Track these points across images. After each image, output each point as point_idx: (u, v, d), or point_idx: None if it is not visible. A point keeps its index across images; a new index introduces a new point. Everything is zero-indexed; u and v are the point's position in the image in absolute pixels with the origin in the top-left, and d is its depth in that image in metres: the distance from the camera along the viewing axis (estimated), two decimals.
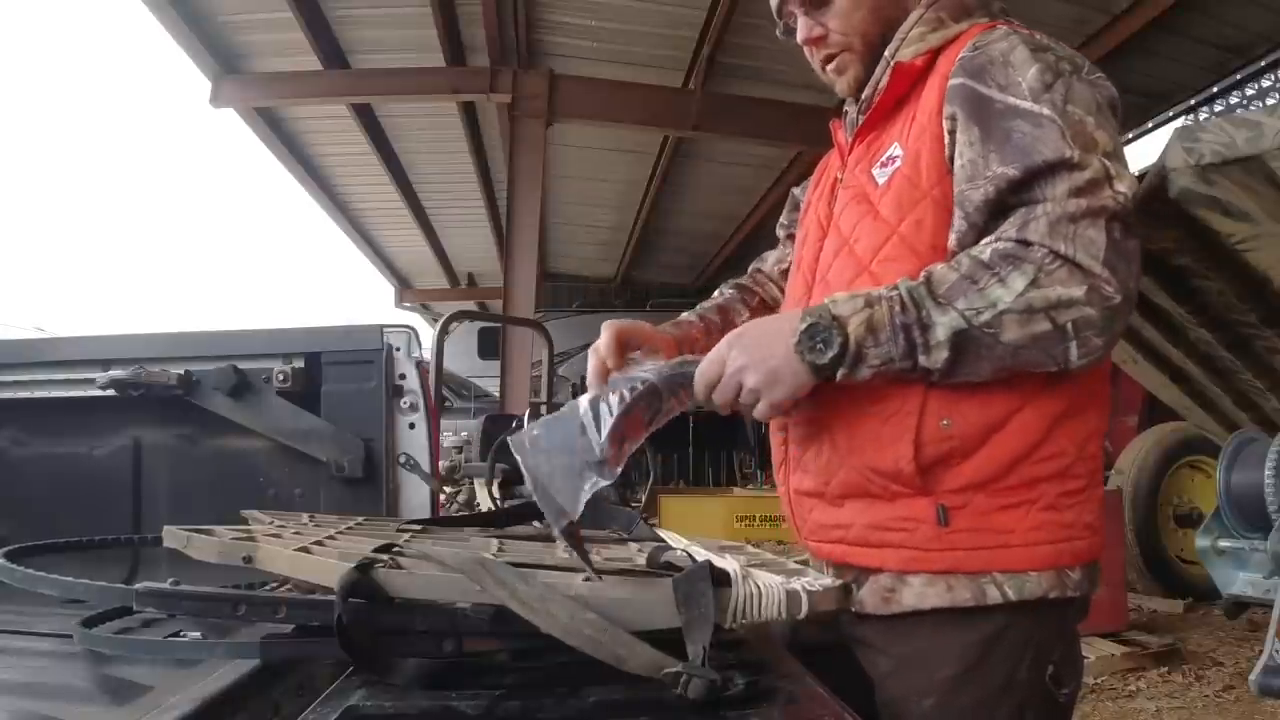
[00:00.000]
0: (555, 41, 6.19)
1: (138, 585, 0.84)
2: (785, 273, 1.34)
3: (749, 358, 0.94)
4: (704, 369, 0.96)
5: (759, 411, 0.95)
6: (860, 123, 1.11)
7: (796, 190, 1.42)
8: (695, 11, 5.66)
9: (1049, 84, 0.93)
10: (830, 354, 0.91)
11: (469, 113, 7.14)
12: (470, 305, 12.26)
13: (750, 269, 1.45)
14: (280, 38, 5.89)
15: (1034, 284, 0.88)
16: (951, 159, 0.97)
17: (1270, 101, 5.97)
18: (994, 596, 0.96)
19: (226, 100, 6.40)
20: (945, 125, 0.97)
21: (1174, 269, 1.58)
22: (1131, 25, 5.32)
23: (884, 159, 1.05)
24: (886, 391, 0.97)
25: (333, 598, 0.74)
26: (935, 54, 1.04)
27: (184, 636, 0.97)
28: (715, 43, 5.86)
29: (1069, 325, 0.89)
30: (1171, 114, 6.36)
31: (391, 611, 0.76)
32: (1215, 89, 6.12)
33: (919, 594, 0.98)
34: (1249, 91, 6.16)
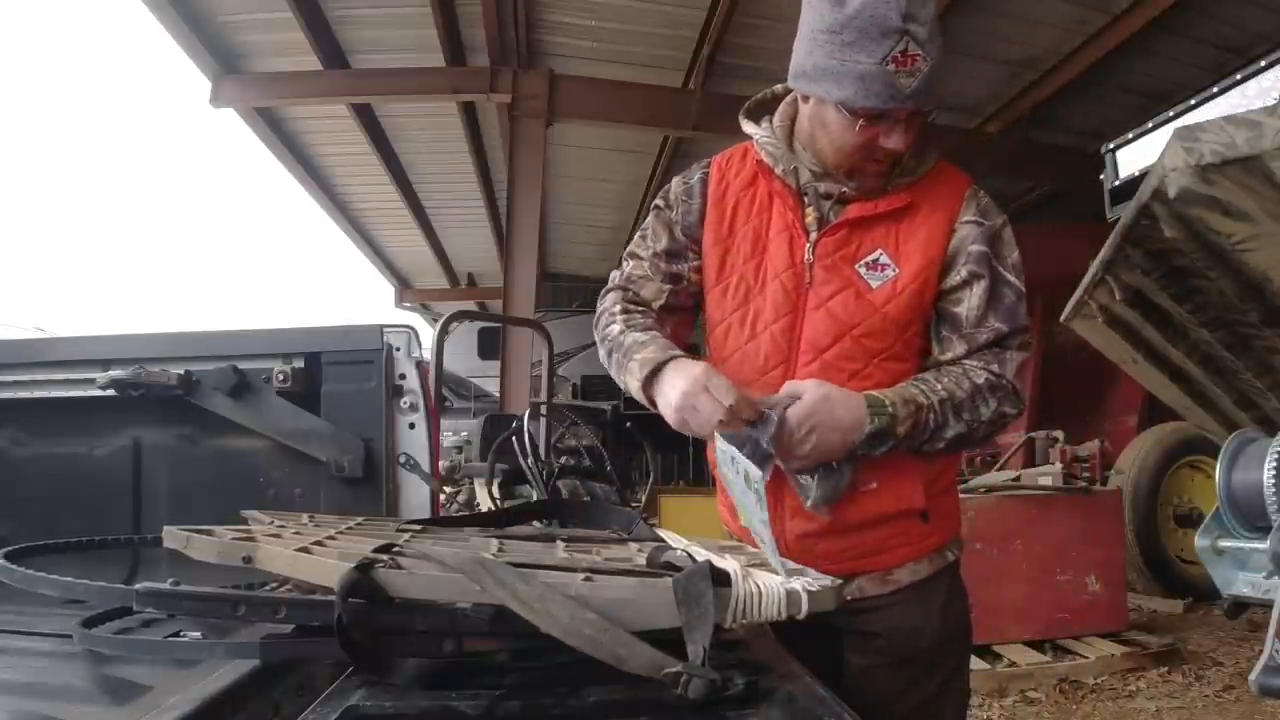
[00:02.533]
0: (555, 41, 6.18)
1: (138, 585, 0.84)
2: (667, 311, 1.38)
3: (821, 438, 1.16)
4: (803, 442, 1.16)
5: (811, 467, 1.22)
6: (838, 216, 1.28)
7: (672, 228, 1.38)
8: (695, 11, 5.65)
9: (1019, 265, 1.30)
10: (880, 450, 1.21)
11: (469, 113, 7.13)
12: (470, 305, 12.25)
13: (627, 297, 1.38)
14: (280, 38, 5.88)
15: (999, 405, 1.27)
16: (944, 291, 1.29)
17: (1270, 101, 5.97)
18: (949, 558, 1.38)
19: (226, 100, 6.39)
20: (963, 273, 1.27)
21: (1174, 269, 1.58)
22: (1131, 25, 5.31)
23: (870, 261, 1.27)
24: (897, 455, 1.25)
25: (333, 598, 0.74)
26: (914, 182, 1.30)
27: (184, 636, 0.98)
28: (715, 43, 5.85)
29: (998, 426, 1.30)
30: (1172, 114, 6.36)
31: (391, 611, 0.76)
32: (1215, 89, 6.13)
33: (912, 571, 1.34)
34: (1249, 91, 6.16)
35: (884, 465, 1.26)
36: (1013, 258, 1.30)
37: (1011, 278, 1.30)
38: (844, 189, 1.28)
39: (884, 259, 1.27)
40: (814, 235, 1.28)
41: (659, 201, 1.41)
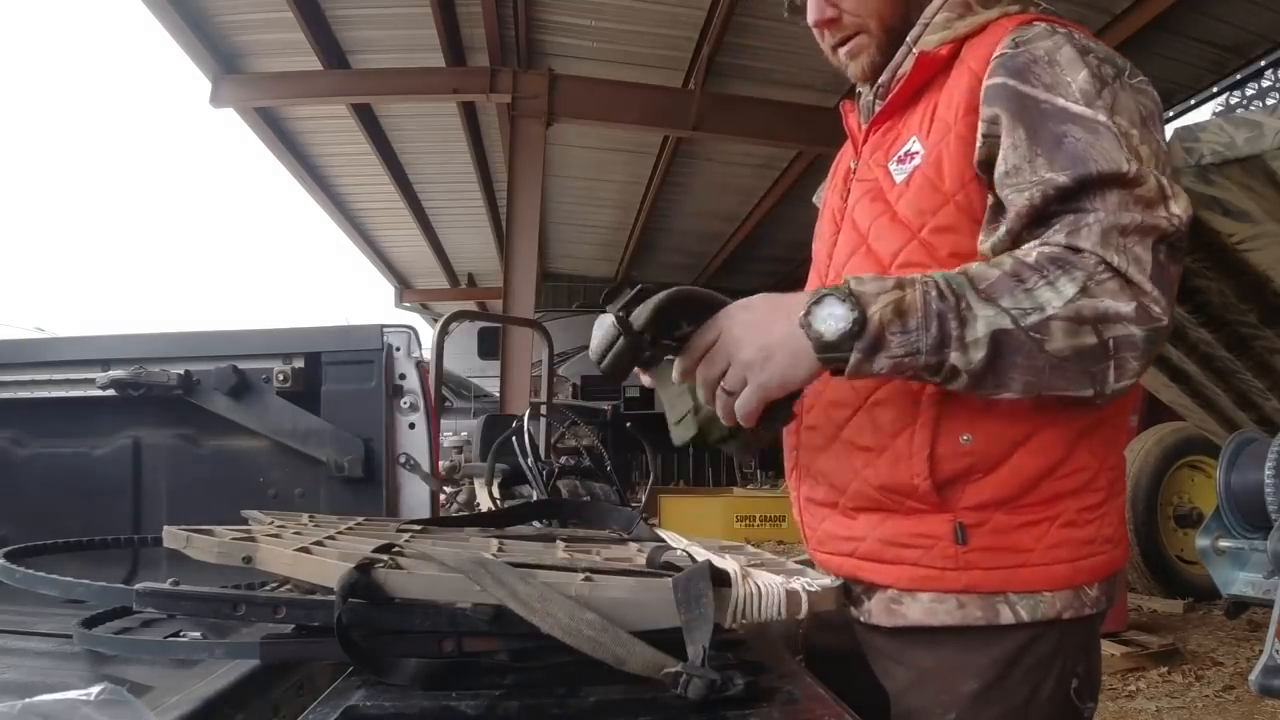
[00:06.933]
0: (555, 41, 6.18)
1: (138, 585, 0.84)
2: None
3: (748, 331, 0.83)
4: (704, 336, 0.85)
5: (743, 401, 0.84)
6: (877, 110, 1.04)
7: (815, 199, 1.32)
8: (695, 11, 5.65)
9: (1100, 89, 0.86)
10: (841, 328, 0.79)
11: (469, 113, 7.14)
12: (470, 305, 12.25)
13: None
14: (280, 38, 5.89)
15: (1084, 292, 0.79)
16: (983, 163, 0.90)
17: (1270, 101, 5.96)
18: (1007, 617, 0.91)
19: (226, 100, 6.40)
20: (981, 128, 0.89)
21: None
22: (1131, 25, 5.31)
23: (901, 154, 0.98)
24: (893, 401, 0.93)
25: (333, 598, 0.74)
26: (960, 43, 0.96)
27: (184, 636, 0.98)
28: (715, 43, 5.85)
29: (1111, 342, 0.80)
30: (1172, 114, 6.36)
31: (391, 611, 0.76)
32: (1215, 89, 6.12)
33: (927, 610, 0.93)
34: (1249, 91, 6.16)
35: (874, 417, 0.94)
36: (1076, 79, 0.86)
37: (1069, 104, 0.85)
38: (879, 85, 1.05)
39: (915, 146, 0.97)
40: (861, 149, 1.07)
41: None
